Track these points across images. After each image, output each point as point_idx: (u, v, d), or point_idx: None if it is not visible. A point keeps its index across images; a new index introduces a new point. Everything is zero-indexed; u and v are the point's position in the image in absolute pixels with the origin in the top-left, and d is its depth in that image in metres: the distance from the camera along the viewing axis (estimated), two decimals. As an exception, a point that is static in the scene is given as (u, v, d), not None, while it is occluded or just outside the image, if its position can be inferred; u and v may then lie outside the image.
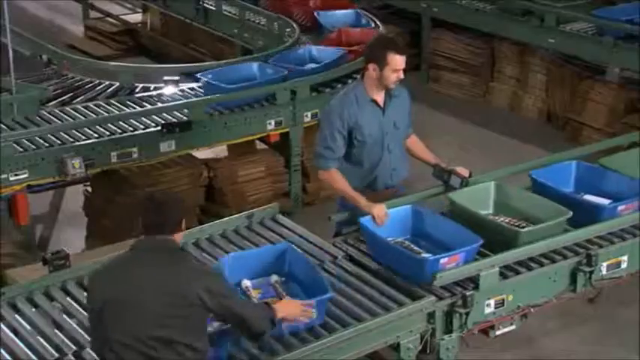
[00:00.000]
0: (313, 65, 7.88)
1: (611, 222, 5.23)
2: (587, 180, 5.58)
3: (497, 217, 5.25)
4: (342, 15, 9.18)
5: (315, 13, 9.08)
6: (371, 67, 5.33)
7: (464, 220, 5.07)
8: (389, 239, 5.03)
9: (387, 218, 5.11)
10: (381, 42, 5.51)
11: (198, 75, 7.53)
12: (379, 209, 5.12)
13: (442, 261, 4.71)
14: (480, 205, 5.30)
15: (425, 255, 4.89)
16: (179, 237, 4.00)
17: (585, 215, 5.19)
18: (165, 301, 3.80)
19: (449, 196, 5.36)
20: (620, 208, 5.25)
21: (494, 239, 4.94)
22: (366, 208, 5.14)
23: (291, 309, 4.28)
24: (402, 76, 5.32)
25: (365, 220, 5.08)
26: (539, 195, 5.35)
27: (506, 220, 5.19)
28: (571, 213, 5.06)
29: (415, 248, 5.01)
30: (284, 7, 9.33)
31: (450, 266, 4.72)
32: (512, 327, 4.98)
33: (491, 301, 4.80)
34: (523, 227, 5.08)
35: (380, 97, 5.43)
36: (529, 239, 4.94)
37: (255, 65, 7.75)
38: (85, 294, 3.98)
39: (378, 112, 5.42)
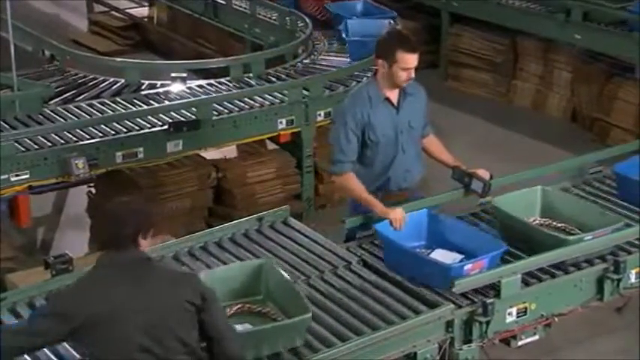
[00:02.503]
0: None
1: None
2: (439, 232, 5.07)
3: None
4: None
5: None
6: (379, 63, 5.22)
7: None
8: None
9: (404, 222, 4.96)
10: (391, 38, 5.35)
11: (342, 32, 8.09)
12: (396, 213, 4.98)
13: (467, 267, 4.57)
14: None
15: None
16: (145, 245, 3.80)
17: (432, 273, 4.70)
18: (154, 318, 3.65)
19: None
20: (467, 267, 4.68)
21: None
22: (383, 214, 5.00)
23: None
24: (412, 75, 5.19)
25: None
26: (386, 248, 4.92)
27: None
28: (310, 314, 4.21)
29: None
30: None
31: (475, 272, 4.57)
32: (536, 337, 4.87)
33: (513, 310, 4.69)
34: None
35: (394, 95, 5.30)
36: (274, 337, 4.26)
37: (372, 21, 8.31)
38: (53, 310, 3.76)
39: (392, 110, 5.30)
